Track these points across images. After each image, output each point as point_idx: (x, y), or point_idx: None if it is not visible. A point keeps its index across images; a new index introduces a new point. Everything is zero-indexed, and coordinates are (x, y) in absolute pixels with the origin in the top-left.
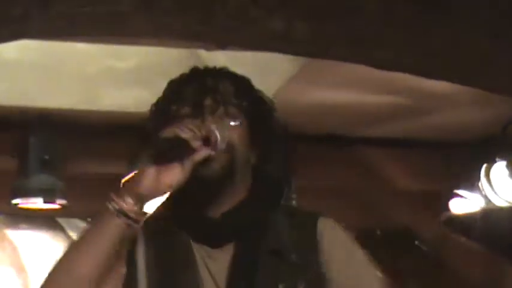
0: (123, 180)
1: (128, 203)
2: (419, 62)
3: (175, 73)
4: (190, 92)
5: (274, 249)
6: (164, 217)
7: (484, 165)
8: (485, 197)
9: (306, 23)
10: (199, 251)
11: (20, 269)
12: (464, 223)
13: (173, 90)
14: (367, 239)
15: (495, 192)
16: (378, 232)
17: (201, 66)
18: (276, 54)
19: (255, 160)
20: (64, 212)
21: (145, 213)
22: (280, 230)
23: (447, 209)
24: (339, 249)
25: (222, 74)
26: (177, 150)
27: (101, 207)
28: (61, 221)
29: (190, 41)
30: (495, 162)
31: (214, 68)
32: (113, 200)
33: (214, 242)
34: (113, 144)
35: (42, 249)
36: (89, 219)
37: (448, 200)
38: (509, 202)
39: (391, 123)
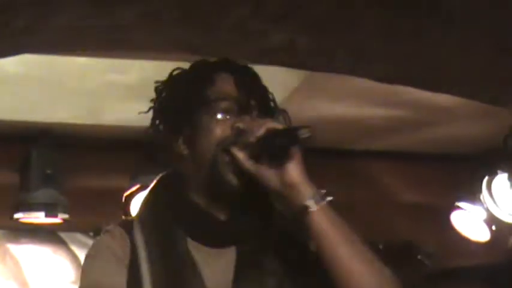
0: (125, 194)
1: None
2: (420, 75)
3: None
4: (231, 86)
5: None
6: (160, 215)
7: (486, 178)
8: (487, 209)
9: (307, 36)
10: (198, 250)
11: (23, 283)
12: None
13: (207, 75)
14: None
15: (497, 205)
16: (380, 246)
17: None
18: (277, 68)
19: None
20: (66, 226)
21: None
22: (282, 236)
23: (449, 222)
24: None
25: (254, 73)
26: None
27: (102, 221)
28: (63, 235)
29: (191, 54)
30: (497, 174)
31: (244, 65)
32: None
33: (220, 242)
34: (114, 159)
35: (45, 263)
36: (91, 233)
37: (450, 213)
38: (510, 214)
39: (393, 136)
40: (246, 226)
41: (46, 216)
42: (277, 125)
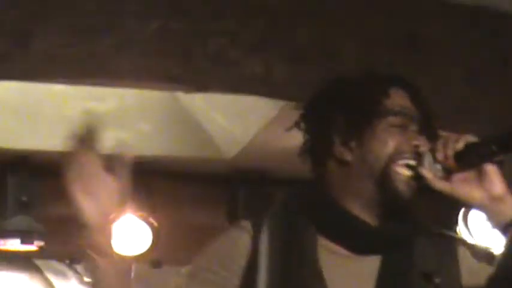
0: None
1: None
2: None
3: (154, 115)
4: (407, 103)
5: (422, 271)
6: (294, 217)
7: (462, 210)
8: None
9: (285, 66)
10: (337, 255)
11: None
12: None
13: (384, 88)
14: None
15: (472, 237)
16: None
17: (179, 108)
18: (255, 97)
19: None
20: (42, 253)
21: None
22: (426, 250)
23: None
24: (476, 279)
25: (420, 90)
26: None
27: (78, 249)
28: (39, 262)
29: (169, 83)
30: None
31: (415, 84)
32: None
33: (368, 249)
34: None
35: None
36: (67, 261)
37: None
38: (486, 247)
39: None
40: (397, 236)
41: (22, 243)
42: (473, 138)
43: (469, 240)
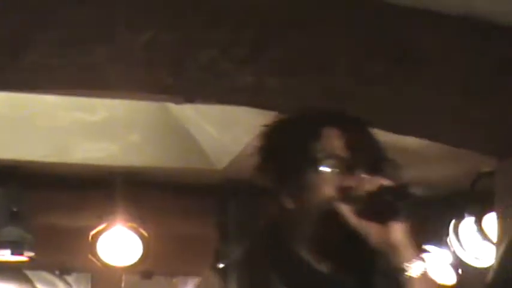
0: (91, 233)
1: None
2: (389, 118)
3: (144, 126)
4: (337, 143)
5: None
6: (258, 262)
7: (453, 221)
8: (454, 252)
9: (276, 77)
10: None
11: None
12: None
13: (313, 131)
14: None
15: (463, 248)
16: None
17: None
18: (246, 108)
19: None
20: (32, 264)
21: None
22: None
23: None
24: None
25: (363, 127)
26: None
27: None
28: (29, 273)
29: (160, 94)
30: (464, 217)
31: (352, 117)
32: None
33: None
34: (82, 197)
35: None
36: (57, 272)
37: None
38: (476, 258)
39: None
40: (348, 281)
41: (12, 254)
42: (387, 181)
43: (460, 251)
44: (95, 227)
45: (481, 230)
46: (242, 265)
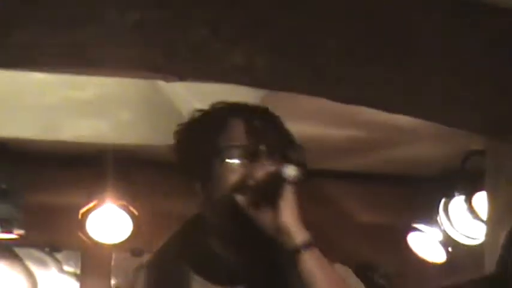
0: (81, 211)
1: None
2: (380, 97)
3: (134, 104)
4: (241, 133)
5: None
6: (170, 251)
7: (443, 200)
8: (444, 231)
9: (266, 56)
10: (201, 284)
11: None
12: None
13: (219, 124)
14: None
15: (453, 227)
16: None
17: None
18: (236, 86)
19: None
20: (21, 242)
21: None
22: (290, 275)
23: (406, 243)
24: None
25: (268, 116)
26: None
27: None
28: (18, 251)
29: (150, 73)
30: (454, 196)
31: (258, 107)
32: None
33: (229, 281)
34: (71, 175)
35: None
36: (47, 249)
37: (407, 234)
38: (466, 236)
39: (351, 157)
40: (254, 267)
41: (1, 231)
42: (271, 168)
43: (450, 230)
44: (84, 205)
45: (471, 209)
46: (157, 256)
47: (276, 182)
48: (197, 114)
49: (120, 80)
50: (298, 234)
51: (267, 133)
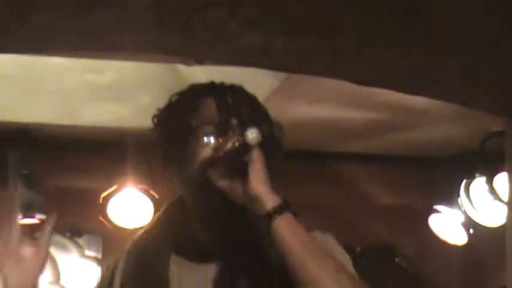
0: (102, 195)
1: None
2: (399, 78)
3: (154, 88)
4: (213, 110)
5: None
6: (152, 232)
7: (464, 181)
8: (465, 212)
9: (285, 37)
10: (182, 265)
11: None
12: None
13: (191, 104)
14: None
15: (474, 208)
16: (358, 249)
17: (179, 81)
18: (255, 70)
19: None
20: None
21: None
22: (265, 245)
23: (426, 225)
24: None
25: (240, 93)
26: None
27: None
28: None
29: (169, 55)
30: (474, 178)
31: (230, 85)
32: None
33: (203, 257)
34: (91, 159)
35: None
36: (68, 234)
37: (428, 216)
38: (488, 218)
39: (371, 138)
40: (229, 242)
41: (23, 216)
42: (237, 138)
43: (471, 211)
44: (105, 189)
45: (492, 190)
46: (139, 238)
47: (242, 151)
48: (172, 97)
49: (139, 64)
50: (268, 199)
51: (238, 108)
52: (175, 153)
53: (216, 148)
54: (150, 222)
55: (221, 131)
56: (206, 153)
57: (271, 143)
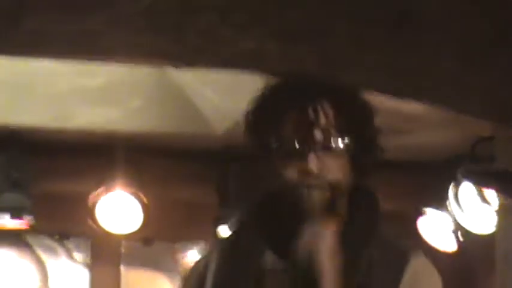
0: (91, 199)
1: None
2: (390, 83)
3: (144, 92)
4: (304, 128)
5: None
6: (245, 228)
7: (452, 185)
8: (453, 217)
9: (277, 43)
10: (275, 264)
11: None
12: None
13: (279, 119)
14: None
15: (463, 212)
16: None
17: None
18: (246, 74)
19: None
20: (32, 229)
21: None
22: (366, 263)
23: (416, 228)
24: None
25: (343, 95)
26: None
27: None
28: (28, 238)
29: (160, 60)
30: (463, 182)
31: (326, 85)
32: None
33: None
34: (82, 163)
35: (10, 267)
36: (57, 237)
37: (417, 220)
38: (476, 222)
39: None
40: None
41: (11, 219)
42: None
43: (459, 215)
44: (94, 193)
45: (480, 193)
46: (234, 234)
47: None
48: (268, 91)
49: (130, 68)
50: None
51: (336, 117)
52: (275, 150)
53: (306, 171)
54: (246, 212)
55: (314, 147)
56: (294, 171)
57: (361, 155)
